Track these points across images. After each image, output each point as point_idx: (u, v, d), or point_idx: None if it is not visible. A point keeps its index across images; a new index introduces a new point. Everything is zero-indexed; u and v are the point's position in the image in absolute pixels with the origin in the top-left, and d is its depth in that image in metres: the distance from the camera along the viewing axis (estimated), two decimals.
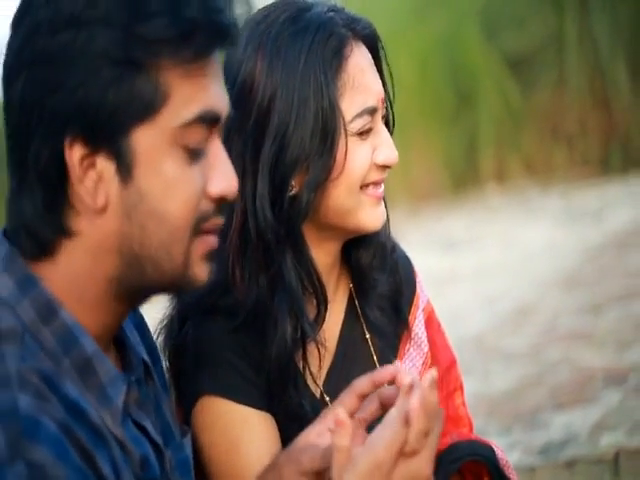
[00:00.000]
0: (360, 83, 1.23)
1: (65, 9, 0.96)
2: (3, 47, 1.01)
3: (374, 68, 1.27)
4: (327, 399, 1.28)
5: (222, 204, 1.02)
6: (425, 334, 1.38)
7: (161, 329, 1.29)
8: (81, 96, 0.95)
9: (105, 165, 0.96)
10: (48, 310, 0.98)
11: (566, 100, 8.31)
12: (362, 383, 1.07)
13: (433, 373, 0.97)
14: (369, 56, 1.27)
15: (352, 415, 1.08)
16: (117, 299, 1.01)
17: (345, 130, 1.22)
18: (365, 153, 1.24)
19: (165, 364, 1.26)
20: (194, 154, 0.98)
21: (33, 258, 1.00)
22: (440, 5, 9.12)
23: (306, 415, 1.22)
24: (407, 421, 0.96)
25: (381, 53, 1.30)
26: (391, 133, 1.30)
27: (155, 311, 1.31)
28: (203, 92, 0.98)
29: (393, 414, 0.98)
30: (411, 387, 0.98)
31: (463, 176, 8.84)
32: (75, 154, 0.96)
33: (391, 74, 1.32)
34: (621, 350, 3.57)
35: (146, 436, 1.05)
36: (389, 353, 1.35)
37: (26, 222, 0.99)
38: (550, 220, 6.93)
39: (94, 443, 0.96)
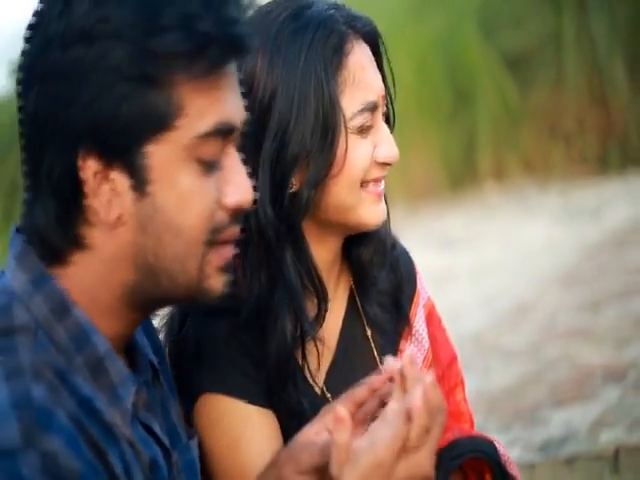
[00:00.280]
0: (360, 80, 1.23)
1: (77, 23, 0.95)
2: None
3: (374, 65, 1.27)
4: (328, 396, 1.28)
5: (238, 214, 1.01)
6: (426, 330, 1.38)
7: (161, 327, 1.29)
8: (94, 111, 0.94)
9: (119, 179, 0.96)
10: (61, 307, 0.98)
11: (564, 98, 8.31)
12: (360, 391, 1.06)
13: (431, 375, 0.97)
14: (369, 53, 1.27)
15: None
16: (131, 307, 1.01)
17: (345, 127, 1.22)
18: (365, 150, 1.24)
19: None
20: (209, 166, 0.98)
21: (46, 263, 1.00)
22: (438, 4, 9.11)
23: (306, 412, 1.22)
24: (409, 417, 0.96)
25: (382, 50, 1.30)
26: (392, 130, 1.30)
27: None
28: (217, 104, 0.98)
29: (394, 410, 0.97)
30: (411, 380, 0.98)
31: (461, 174, 8.84)
32: (89, 168, 0.96)
33: (392, 71, 1.32)
34: (620, 347, 3.57)
35: (154, 438, 1.05)
36: (390, 350, 1.35)
37: (39, 230, 0.99)
38: (548, 218, 6.93)
39: (106, 440, 0.97)
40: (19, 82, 1.00)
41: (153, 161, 0.96)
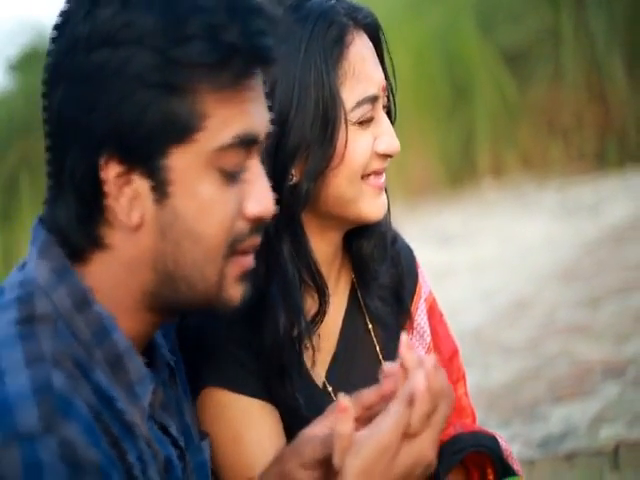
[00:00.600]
0: (361, 72, 1.22)
1: (102, 27, 0.95)
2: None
3: (375, 57, 1.26)
4: (329, 390, 1.27)
5: (258, 225, 1.01)
6: (427, 324, 1.38)
7: None
8: (117, 117, 0.94)
9: (140, 183, 0.96)
10: (83, 301, 0.98)
11: (562, 94, 8.30)
12: (369, 395, 1.05)
13: (433, 358, 0.96)
14: (370, 45, 1.26)
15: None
16: (150, 310, 1.01)
17: (346, 119, 1.21)
18: (366, 142, 1.23)
19: None
20: (230, 176, 0.98)
21: (68, 259, 1.00)
22: None
23: (306, 406, 1.21)
24: (411, 402, 0.95)
25: (383, 42, 1.29)
26: (392, 123, 1.29)
27: None
28: (241, 115, 0.97)
29: (395, 398, 0.97)
30: (411, 365, 0.97)
31: (459, 171, 8.84)
32: (110, 172, 0.96)
33: (392, 64, 1.31)
34: (619, 343, 3.57)
35: (169, 438, 1.05)
36: (392, 344, 1.34)
37: (61, 227, 1.00)
38: (547, 214, 6.93)
39: (123, 435, 0.97)
40: (44, 81, 1.00)
41: (174, 169, 0.96)
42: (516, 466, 1.33)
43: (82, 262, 0.99)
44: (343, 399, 0.96)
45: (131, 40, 0.94)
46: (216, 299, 1.00)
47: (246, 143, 0.98)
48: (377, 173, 1.25)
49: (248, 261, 1.01)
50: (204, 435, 1.15)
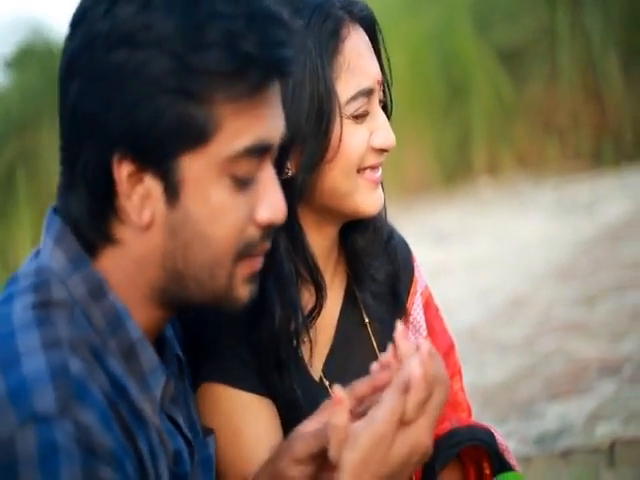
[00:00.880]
0: (356, 65, 1.22)
1: (122, 26, 0.95)
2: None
3: (371, 51, 1.26)
4: (326, 384, 1.27)
5: (269, 230, 1.01)
6: (423, 318, 1.37)
7: None
8: (132, 118, 0.94)
9: (152, 184, 0.96)
10: (98, 289, 0.99)
11: (558, 93, 8.31)
12: (362, 387, 1.05)
13: (428, 344, 0.96)
14: (366, 39, 1.26)
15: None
16: (159, 306, 1.02)
17: (340, 112, 1.21)
18: (362, 136, 1.23)
19: None
20: (242, 183, 0.98)
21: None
22: None
23: (303, 400, 1.21)
24: (406, 389, 0.95)
25: (379, 36, 1.28)
26: (389, 118, 1.29)
27: None
28: (256, 124, 0.97)
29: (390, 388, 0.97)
30: (405, 352, 0.97)
31: (455, 169, 8.85)
32: (123, 170, 0.96)
33: (388, 59, 1.30)
34: (615, 341, 3.58)
35: (178, 431, 1.06)
36: (388, 337, 1.33)
37: (73, 219, 1.00)
38: (543, 213, 6.94)
39: (135, 424, 0.97)
40: (60, 74, 1.00)
41: (187, 173, 0.96)
42: (512, 461, 1.33)
43: (93, 255, 1.00)
44: (339, 391, 0.96)
45: (150, 42, 0.94)
46: (224, 298, 1.01)
47: (259, 151, 0.98)
48: (373, 167, 1.25)
49: (257, 263, 1.02)
50: (209, 431, 1.15)
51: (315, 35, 1.21)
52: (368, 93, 1.23)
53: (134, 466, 0.94)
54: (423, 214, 8.16)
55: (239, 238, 0.98)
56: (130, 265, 0.99)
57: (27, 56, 9.79)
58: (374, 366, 1.02)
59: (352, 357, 1.29)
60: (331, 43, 1.21)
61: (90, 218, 0.99)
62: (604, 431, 2.74)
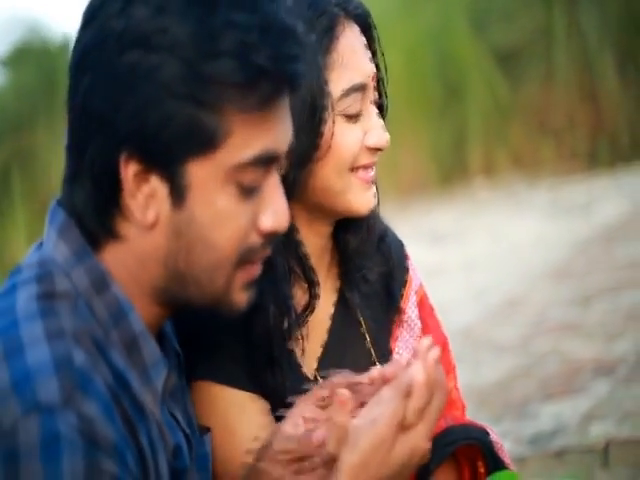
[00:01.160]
0: (349, 61, 1.21)
1: (136, 27, 0.95)
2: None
3: (366, 49, 1.25)
4: (320, 380, 1.26)
5: (271, 238, 1.02)
6: (418, 316, 1.37)
7: None
8: (141, 120, 0.95)
9: (158, 185, 0.97)
10: (101, 282, 0.99)
11: (554, 94, 8.32)
12: (340, 384, 1.07)
13: (436, 351, 0.97)
14: (361, 37, 1.25)
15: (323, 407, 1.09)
16: (158, 304, 1.02)
17: (333, 109, 1.20)
18: (355, 135, 1.22)
19: None
20: (248, 191, 0.98)
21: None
22: None
23: (297, 397, 1.21)
24: (407, 394, 0.95)
25: (374, 34, 1.28)
26: (384, 117, 1.29)
27: None
28: (264, 135, 0.97)
29: (390, 388, 0.97)
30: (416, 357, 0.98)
31: (451, 170, 8.85)
32: (130, 170, 0.96)
33: (384, 57, 1.30)
34: (610, 341, 3.58)
35: (177, 425, 1.06)
36: (382, 335, 1.34)
37: (77, 212, 1.00)
38: (538, 213, 6.95)
39: (136, 417, 0.97)
40: (71, 67, 1.00)
41: (193, 178, 0.96)
42: (507, 459, 1.33)
43: (96, 248, 1.00)
44: (343, 392, 0.97)
45: (164, 47, 0.94)
46: (222, 301, 1.02)
47: (266, 161, 0.98)
48: (366, 167, 1.24)
49: (255, 270, 1.03)
50: (205, 430, 1.15)
51: (309, 31, 1.20)
52: (361, 89, 1.22)
53: (135, 459, 0.95)
54: (419, 214, 8.17)
55: (241, 244, 0.99)
56: (132, 261, 0.99)
57: (23, 55, 9.77)
58: (374, 371, 1.02)
59: (346, 355, 1.29)
60: (325, 39, 1.20)
61: (94, 213, 0.99)
62: (598, 431, 2.75)
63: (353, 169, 1.23)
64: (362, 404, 1.01)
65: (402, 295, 1.37)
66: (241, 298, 1.02)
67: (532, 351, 3.77)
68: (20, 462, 0.87)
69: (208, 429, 1.15)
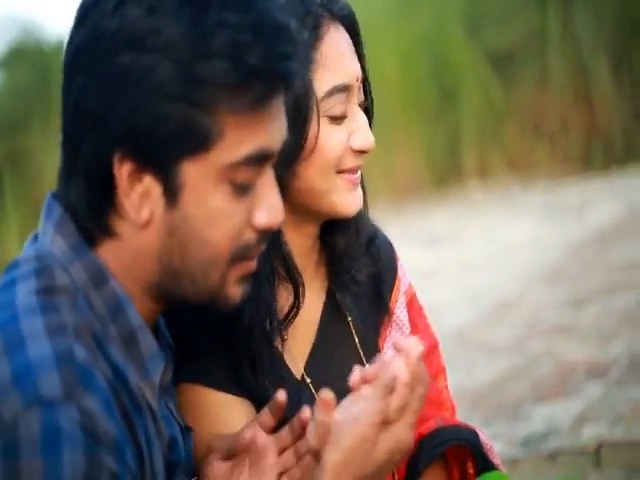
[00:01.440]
0: (332, 61, 1.20)
1: (130, 28, 0.95)
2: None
3: (352, 50, 1.24)
4: (308, 382, 1.26)
5: (265, 234, 1.02)
6: (407, 317, 1.37)
7: None
8: (134, 121, 0.95)
9: (152, 184, 0.97)
10: (100, 277, 1.00)
11: (548, 97, 8.33)
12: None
13: (421, 347, 0.97)
14: (347, 37, 1.24)
15: (266, 431, 1.11)
16: (154, 300, 1.03)
17: (318, 109, 1.19)
18: (339, 137, 1.21)
19: None
20: (242, 189, 0.98)
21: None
22: (423, 1, 9.13)
23: (286, 400, 1.20)
24: (389, 391, 0.95)
25: (360, 37, 1.26)
26: (371, 120, 1.27)
27: None
28: (258, 134, 0.97)
29: (371, 386, 0.98)
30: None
31: (445, 172, 8.86)
32: (123, 169, 0.96)
33: (362, 56, 1.27)
34: (603, 344, 3.58)
35: (173, 418, 1.07)
36: (371, 336, 1.33)
37: (72, 207, 1.01)
38: (532, 216, 6.95)
39: (134, 412, 0.98)
40: (64, 66, 1.00)
41: (187, 177, 0.96)
42: (496, 460, 1.33)
43: (91, 244, 1.00)
44: (327, 393, 0.97)
45: (157, 48, 0.94)
46: (216, 296, 1.02)
47: (260, 160, 0.98)
48: (352, 171, 1.23)
49: (251, 265, 1.03)
50: (188, 429, 1.15)
51: (302, 29, 1.19)
52: (344, 90, 1.21)
53: (133, 454, 0.95)
54: (414, 217, 8.17)
55: (236, 241, 0.99)
56: (127, 258, 1.00)
57: (17, 56, 9.76)
58: (355, 374, 1.01)
59: (334, 356, 1.28)
60: (310, 41, 1.20)
61: (88, 210, 0.99)
62: (591, 433, 2.75)
63: (339, 172, 1.22)
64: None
65: (391, 296, 1.36)
66: (236, 292, 1.02)
67: (525, 353, 3.77)
68: (20, 456, 0.87)
69: (190, 429, 1.15)
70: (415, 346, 0.98)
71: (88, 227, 1.00)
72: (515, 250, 6.03)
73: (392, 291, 1.37)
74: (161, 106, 0.94)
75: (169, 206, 0.97)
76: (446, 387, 1.41)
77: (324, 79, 1.20)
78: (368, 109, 1.28)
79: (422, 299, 1.45)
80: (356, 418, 0.96)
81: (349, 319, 1.31)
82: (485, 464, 1.31)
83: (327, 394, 0.96)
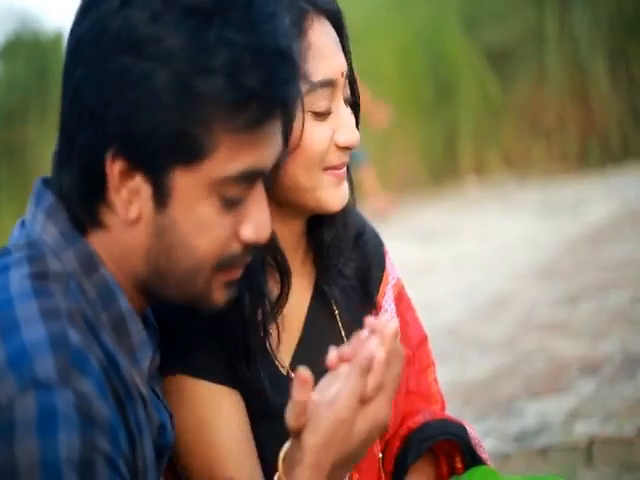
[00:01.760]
0: (315, 55, 1.18)
1: (132, 30, 0.95)
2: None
3: (337, 44, 1.22)
4: (293, 375, 1.26)
5: (252, 247, 1.02)
6: (395, 310, 1.37)
7: None
8: (129, 124, 0.95)
9: (142, 185, 0.97)
10: (91, 263, 1.00)
11: (545, 95, 8.34)
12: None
13: (395, 323, 0.97)
14: (332, 31, 1.22)
15: None
16: (139, 293, 1.03)
17: (302, 105, 1.18)
18: (324, 133, 1.20)
19: None
20: (230, 203, 0.99)
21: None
22: None
23: (273, 391, 1.20)
24: (365, 370, 0.96)
25: (345, 31, 1.24)
26: (358, 116, 1.26)
27: None
28: (251, 153, 0.97)
29: (348, 365, 0.98)
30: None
31: (442, 169, 8.87)
32: (115, 166, 0.97)
33: (348, 51, 1.26)
34: (595, 340, 3.59)
35: (161, 404, 1.08)
36: (358, 330, 1.33)
37: (64, 195, 1.01)
38: (528, 213, 6.96)
39: (125, 397, 0.98)
40: (66, 56, 1.00)
41: (177, 185, 0.96)
42: (485, 455, 1.33)
43: (82, 233, 1.01)
44: (304, 371, 0.97)
45: (157, 56, 0.93)
46: (201, 299, 1.03)
47: (251, 177, 0.99)
48: (337, 167, 1.23)
49: (236, 273, 1.04)
50: (172, 415, 1.15)
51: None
52: (328, 85, 1.19)
53: (125, 438, 0.95)
54: (410, 213, 8.18)
55: (221, 252, 1.00)
56: (116, 250, 1.01)
57: (14, 49, 9.74)
58: (332, 353, 1.01)
59: (321, 349, 1.27)
60: (292, 34, 1.18)
61: (80, 200, 1.00)
62: (583, 429, 2.76)
63: (325, 169, 1.22)
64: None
65: (379, 289, 1.36)
66: (220, 296, 1.03)
67: (518, 349, 3.78)
68: (16, 437, 0.87)
69: (172, 415, 1.15)
70: (389, 323, 0.98)
71: (79, 216, 1.00)
72: (510, 247, 6.04)
73: (380, 284, 1.37)
74: (156, 113, 0.94)
75: (158, 209, 0.97)
76: (435, 381, 1.41)
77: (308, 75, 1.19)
78: (354, 105, 1.27)
79: (417, 295, 1.44)
80: (334, 401, 0.96)
81: (336, 312, 1.31)
82: (473, 459, 1.31)
83: (304, 372, 0.96)
